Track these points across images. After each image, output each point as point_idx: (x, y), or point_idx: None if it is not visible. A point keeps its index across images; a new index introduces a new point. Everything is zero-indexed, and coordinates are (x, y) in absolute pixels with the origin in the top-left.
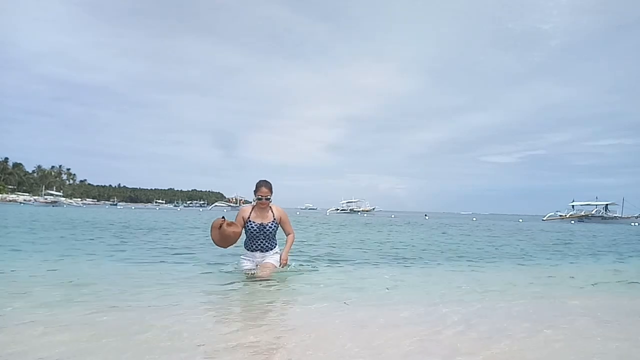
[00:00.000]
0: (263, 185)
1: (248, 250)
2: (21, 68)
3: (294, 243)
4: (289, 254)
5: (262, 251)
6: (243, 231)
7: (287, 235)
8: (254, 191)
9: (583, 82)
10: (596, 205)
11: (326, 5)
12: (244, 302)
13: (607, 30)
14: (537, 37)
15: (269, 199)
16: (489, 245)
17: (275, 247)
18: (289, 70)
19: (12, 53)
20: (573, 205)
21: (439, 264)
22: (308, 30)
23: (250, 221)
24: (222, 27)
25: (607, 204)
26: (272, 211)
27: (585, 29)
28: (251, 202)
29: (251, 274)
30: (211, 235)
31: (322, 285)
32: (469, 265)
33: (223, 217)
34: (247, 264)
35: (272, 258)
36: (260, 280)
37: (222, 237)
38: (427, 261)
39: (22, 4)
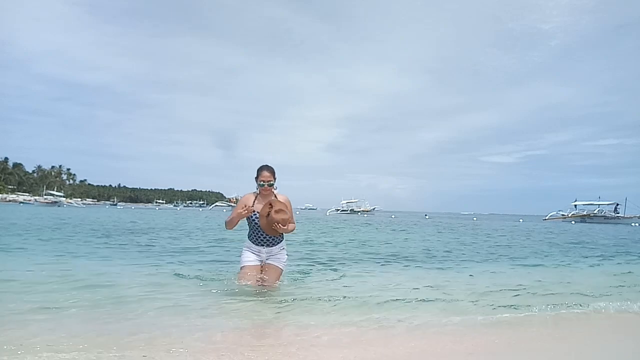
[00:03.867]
0: (265, 169)
1: (253, 243)
2: (21, 68)
3: (293, 232)
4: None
5: (268, 246)
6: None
7: None
8: (255, 177)
9: (583, 82)
10: (599, 205)
11: (326, 5)
12: (237, 317)
13: (607, 30)
14: (537, 37)
15: (272, 184)
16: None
17: (282, 240)
18: (289, 71)
19: (12, 53)
20: (575, 205)
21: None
22: (308, 30)
23: (253, 212)
24: (222, 27)
25: (617, 204)
26: (276, 198)
27: (585, 29)
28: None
29: (253, 278)
30: (260, 223)
31: (330, 296)
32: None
33: (271, 205)
34: (250, 257)
35: (278, 259)
36: (263, 288)
37: (269, 226)
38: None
39: (22, 4)
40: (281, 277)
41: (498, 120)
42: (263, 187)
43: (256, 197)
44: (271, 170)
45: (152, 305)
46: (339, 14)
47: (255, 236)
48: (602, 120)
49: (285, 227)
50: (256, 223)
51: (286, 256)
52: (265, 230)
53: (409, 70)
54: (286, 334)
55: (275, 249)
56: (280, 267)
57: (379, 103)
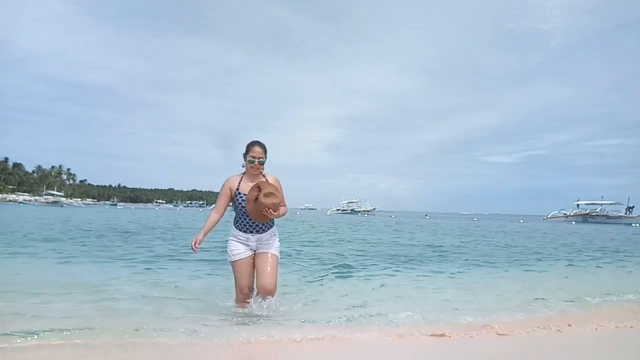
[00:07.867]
0: (256, 144)
1: (240, 230)
2: (21, 68)
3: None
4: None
5: (258, 232)
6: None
7: None
8: (244, 154)
9: (583, 81)
10: (601, 204)
11: (326, 5)
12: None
13: (607, 30)
14: (537, 37)
15: (264, 162)
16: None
17: (272, 226)
18: (290, 71)
19: (12, 53)
20: (578, 205)
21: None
22: (308, 30)
23: (239, 194)
24: (222, 27)
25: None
26: (265, 180)
27: (585, 29)
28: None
29: (250, 278)
30: (248, 208)
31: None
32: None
33: (259, 187)
34: (240, 249)
35: (270, 245)
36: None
37: (258, 212)
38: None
39: (23, 4)
40: (277, 274)
41: (498, 120)
42: (253, 165)
43: (242, 178)
44: (263, 147)
45: (139, 318)
46: (339, 14)
47: (242, 222)
48: (602, 120)
49: (276, 213)
50: (243, 207)
51: (278, 242)
52: (253, 216)
53: (409, 70)
54: (283, 343)
55: (265, 235)
56: (274, 253)
57: (379, 103)
